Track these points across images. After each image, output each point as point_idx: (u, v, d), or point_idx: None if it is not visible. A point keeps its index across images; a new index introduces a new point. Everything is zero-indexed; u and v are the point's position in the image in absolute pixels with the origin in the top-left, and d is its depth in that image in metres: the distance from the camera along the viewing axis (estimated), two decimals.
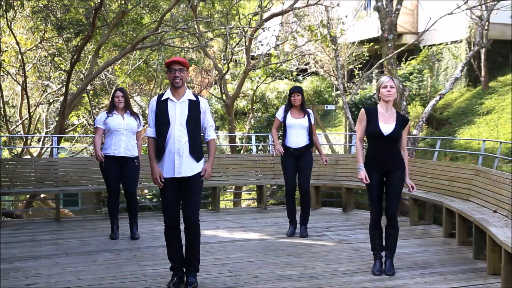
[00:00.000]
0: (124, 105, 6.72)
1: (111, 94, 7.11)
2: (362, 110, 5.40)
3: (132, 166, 6.75)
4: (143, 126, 6.95)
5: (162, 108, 4.81)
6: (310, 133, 6.97)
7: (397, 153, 5.32)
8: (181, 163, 4.76)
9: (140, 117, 6.88)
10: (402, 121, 5.30)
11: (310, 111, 7.05)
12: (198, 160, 4.85)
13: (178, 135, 4.75)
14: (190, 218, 4.86)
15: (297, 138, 6.89)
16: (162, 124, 4.78)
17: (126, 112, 6.73)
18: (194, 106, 4.83)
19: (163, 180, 4.81)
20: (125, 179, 6.78)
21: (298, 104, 6.87)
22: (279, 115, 7.03)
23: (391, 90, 5.23)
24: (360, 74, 16.45)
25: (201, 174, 4.86)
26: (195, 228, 4.89)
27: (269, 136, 10.71)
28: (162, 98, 4.84)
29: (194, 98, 4.87)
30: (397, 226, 5.42)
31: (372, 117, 5.29)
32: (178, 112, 4.77)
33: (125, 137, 6.64)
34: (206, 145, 5.07)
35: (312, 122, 6.97)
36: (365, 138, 5.48)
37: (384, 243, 5.47)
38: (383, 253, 5.49)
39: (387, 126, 5.24)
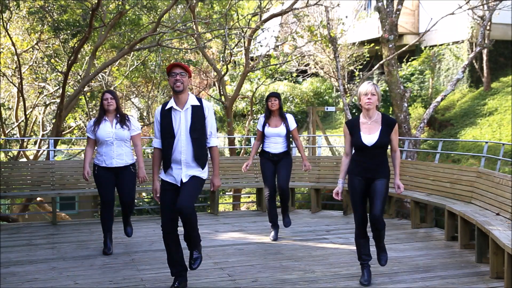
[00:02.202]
0: (114, 107, 6.23)
1: (100, 97, 6.55)
2: (344, 124, 5.27)
3: (128, 175, 6.27)
4: (140, 129, 6.47)
5: (166, 119, 4.71)
6: (289, 139, 6.95)
7: (382, 162, 5.11)
8: (186, 173, 4.70)
9: (133, 120, 6.37)
10: (386, 126, 5.06)
11: (289, 116, 6.98)
12: (202, 166, 4.75)
13: (183, 145, 4.67)
14: (182, 203, 4.58)
15: (276, 145, 6.91)
16: (167, 136, 4.70)
17: (117, 116, 6.25)
18: (198, 112, 4.72)
19: (158, 196, 4.85)
20: (120, 190, 6.31)
21: (275, 109, 6.86)
22: (259, 125, 6.99)
23: (371, 98, 4.99)
24: (361, 75, 16.39)
25: (211, 190, 4.98)
26: (189, 216, 4.62)
27: None
28: (166, 108, 4.74)
29: (197, 103, 4.75)
30: (383, 226, 5.10)
31: (354, 129, 5.12)
32: (182, 122, 4.67)
33: (116, 146, 6.20)
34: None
35: (292, 127, 6.92)
36: None
37: (375, 244, 5.25)
38: (373, 252, 5.31)
39: (370, 136, 5.04)
